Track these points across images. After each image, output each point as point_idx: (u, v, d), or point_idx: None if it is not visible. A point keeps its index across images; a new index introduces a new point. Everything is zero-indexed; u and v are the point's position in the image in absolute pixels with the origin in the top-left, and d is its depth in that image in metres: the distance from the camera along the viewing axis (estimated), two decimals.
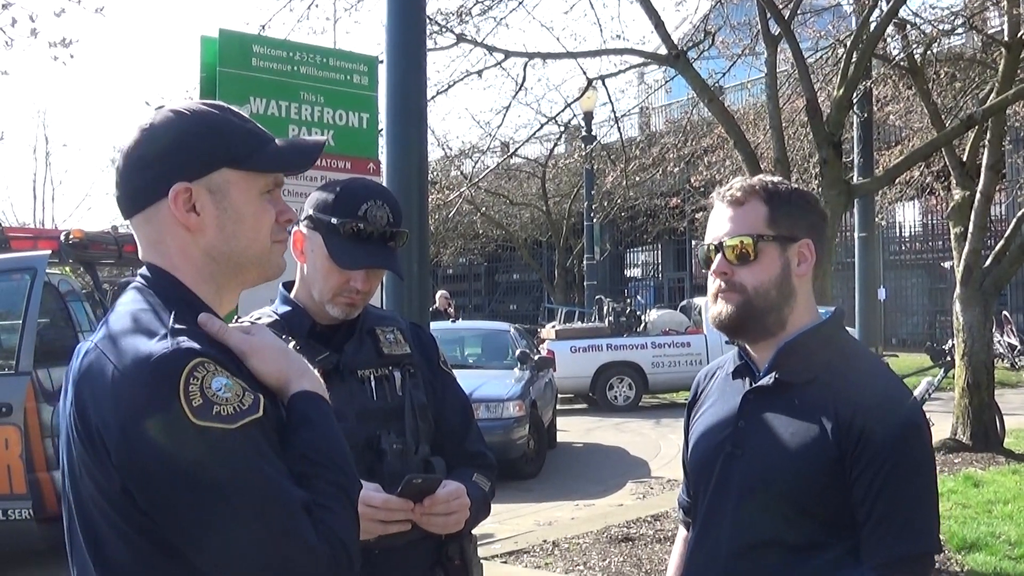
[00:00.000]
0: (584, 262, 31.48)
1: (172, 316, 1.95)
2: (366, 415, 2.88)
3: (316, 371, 2.08)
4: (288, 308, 3.01)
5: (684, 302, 27.06)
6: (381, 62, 6.61)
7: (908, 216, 37.59)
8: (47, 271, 9.69)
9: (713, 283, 2.67)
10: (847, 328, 3.02)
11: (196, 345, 1.88)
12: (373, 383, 2.94)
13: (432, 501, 2.73)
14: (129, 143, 2.06)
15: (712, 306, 2.68)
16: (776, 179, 2.76)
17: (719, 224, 2.67)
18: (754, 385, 2.66)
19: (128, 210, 2.10)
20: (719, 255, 2.64)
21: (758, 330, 2.65)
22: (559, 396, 18.05)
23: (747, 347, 2.74)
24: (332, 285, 2.93)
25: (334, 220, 2.91)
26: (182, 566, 1.89)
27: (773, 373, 2.63)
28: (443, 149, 30.96)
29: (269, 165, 2.07)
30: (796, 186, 2.80)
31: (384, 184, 5.89)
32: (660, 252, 45.84)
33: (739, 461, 2.61)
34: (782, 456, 2.53)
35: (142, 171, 2.04)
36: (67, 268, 12.39)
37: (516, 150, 19.99)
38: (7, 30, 10.60)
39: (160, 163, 2.02)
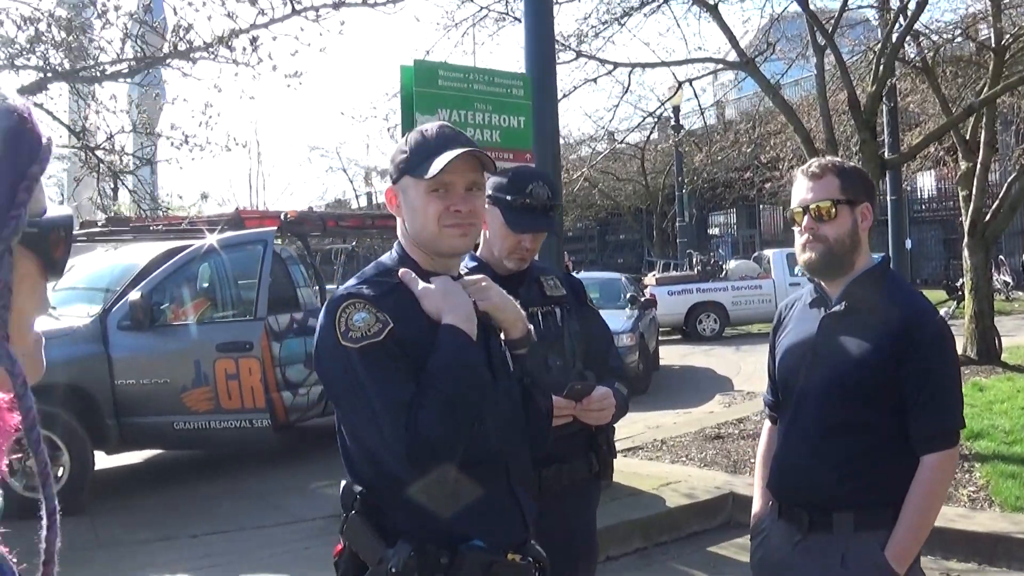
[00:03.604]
0: (676, 224, 31.32)
1: (374, 270, 2.24)
2: (537, 342, 3.00)
3: (466, 311, 2.13)
4: (475, 264, 3.10)
5: (756, 254, 26.72)
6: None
7: (927, 183, 36.93)
8: (274, 242, 9.89)
9: (801, 236, 2.73)
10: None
11: (362, 289, 2.13)
12: (540, 317, 3.03)
13: (588, 401, 2.84)
14: None
15: (802, 254, 2.75)
16: (840, 159, 2.85)
17: (804, 192, 2.73)
18: (829, 311, 2.74)
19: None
20: (806, 215, 2.71)
21: (836, 270, 2.73)
22: (660, 329, 17.99)
23: (822, 283, 2.81)
24: (508, 245, 3.04)
25: (508, 197, 3.02)
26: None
27: (843, 302, 2.71)
28: (565, 140, 30.82)
29: (423, 173, 2.14)
30: (855, 164, 2.89)
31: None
32: (735, 215, 45.17)
33: (820, 367, 2.70)
34: (852, 362, 2.63)
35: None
36: (284, 240, 12.62)
37: (623, 140, 19.90)
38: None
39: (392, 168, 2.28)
